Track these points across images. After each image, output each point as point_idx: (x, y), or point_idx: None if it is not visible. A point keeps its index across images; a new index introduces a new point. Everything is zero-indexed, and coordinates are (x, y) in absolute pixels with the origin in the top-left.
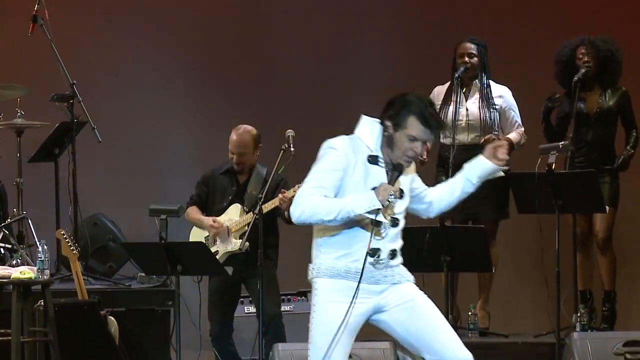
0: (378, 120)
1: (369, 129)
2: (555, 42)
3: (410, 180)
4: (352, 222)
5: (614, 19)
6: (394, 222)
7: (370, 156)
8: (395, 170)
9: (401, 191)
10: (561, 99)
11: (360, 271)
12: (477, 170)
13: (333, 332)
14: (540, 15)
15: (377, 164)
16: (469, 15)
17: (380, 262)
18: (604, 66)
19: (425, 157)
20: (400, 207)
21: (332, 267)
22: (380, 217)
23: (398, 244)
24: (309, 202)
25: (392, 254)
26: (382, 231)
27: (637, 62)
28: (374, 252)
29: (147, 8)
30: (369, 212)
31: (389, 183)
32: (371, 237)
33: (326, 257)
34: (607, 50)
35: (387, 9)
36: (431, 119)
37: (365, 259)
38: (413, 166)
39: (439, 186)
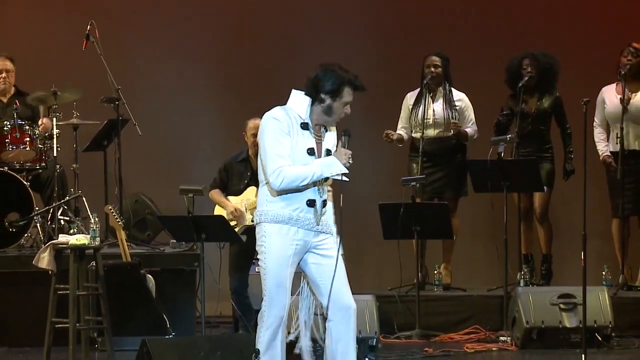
0: (303, 92)
1: (300, 101)
2: (505, 57)
3: (334, 144)
4: None
5: (555, 37)
6: (326, 177)
7: (302, 123)
8: (346, 136)
9: (330, 151)
10: (509, 115)
11: (300, 218)
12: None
13: (283, 265)
14: (493, 35)
15: (308, 130)
16: (436, 32)
17: (317, 212)
18: (543, 75)
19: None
20: None
21: (277, 214)
22: (343, 177)
23: (327, 195)
24: (286, 174)
25: (324, 204)
26: (319, 185)
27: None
28: (311, 203)
29: (177, 28)
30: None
31: (343, 147)
32: (319, 191)
33: (273, 205)
34: (546, 63)
35: (370, 28)
36: (358, 84)
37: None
38: (336, 137)
39: None
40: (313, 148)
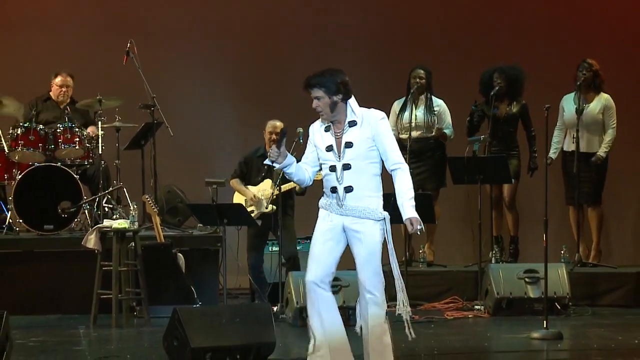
0: None
1: None
2: (479, 69)
3: (365, 135)
4: (325, 173)
5: (523, 51)
6: (346, 166)
7: (325, 127)
8: (282, 135)
9: (349, 143)
10: (481, 105)
11: (330, 203)
12: (402, 212)
13: (321, 238)
14: (469, 50)
15: (329, 131)
16: (421, 48)
17: (339, 197)
18: (511, 86)
19: (320, 109)
20: (350, 155)
21: (321, 202)
22: (273, 164)
23: (355, 182)
24: None
25: (347, 190)
26: (338, 174)
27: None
28: (333, 190)
29: (202, 44)
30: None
31: (276, 144)
32: (339, 179)
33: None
34: (514, 75)
35: (366, 44)
36: (306, 82)
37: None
38: (371, 128)
39: (401, 182)
40: (331, 145)
